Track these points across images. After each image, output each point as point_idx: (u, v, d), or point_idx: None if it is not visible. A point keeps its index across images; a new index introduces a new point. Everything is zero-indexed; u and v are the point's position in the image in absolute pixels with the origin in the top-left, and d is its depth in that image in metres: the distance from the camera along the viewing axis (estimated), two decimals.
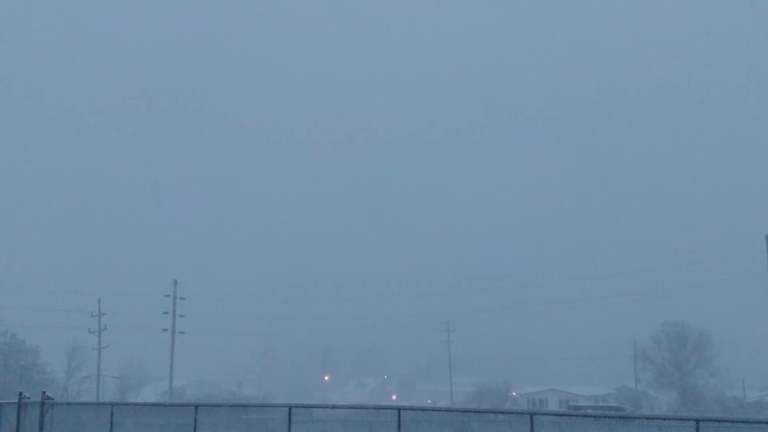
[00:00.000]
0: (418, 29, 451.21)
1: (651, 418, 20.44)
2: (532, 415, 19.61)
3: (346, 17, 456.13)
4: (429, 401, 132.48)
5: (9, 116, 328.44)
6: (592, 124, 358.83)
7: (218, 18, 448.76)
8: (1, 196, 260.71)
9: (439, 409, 25.92)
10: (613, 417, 22.02)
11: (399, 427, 21.11)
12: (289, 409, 23.33)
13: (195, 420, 24.78)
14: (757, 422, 17.78)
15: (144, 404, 34.12)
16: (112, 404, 28.21)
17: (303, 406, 25.58)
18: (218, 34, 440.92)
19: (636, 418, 25.54)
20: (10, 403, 29.24)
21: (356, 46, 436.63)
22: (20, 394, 28.44)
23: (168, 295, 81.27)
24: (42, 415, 27.11)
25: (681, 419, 19.21)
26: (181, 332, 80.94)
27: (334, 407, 28.16)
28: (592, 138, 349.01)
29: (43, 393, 27.86)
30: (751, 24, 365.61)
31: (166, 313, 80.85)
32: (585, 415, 22.87)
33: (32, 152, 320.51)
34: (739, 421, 17.82)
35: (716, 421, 18.23)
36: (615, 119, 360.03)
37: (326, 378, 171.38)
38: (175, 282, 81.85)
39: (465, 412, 26.50)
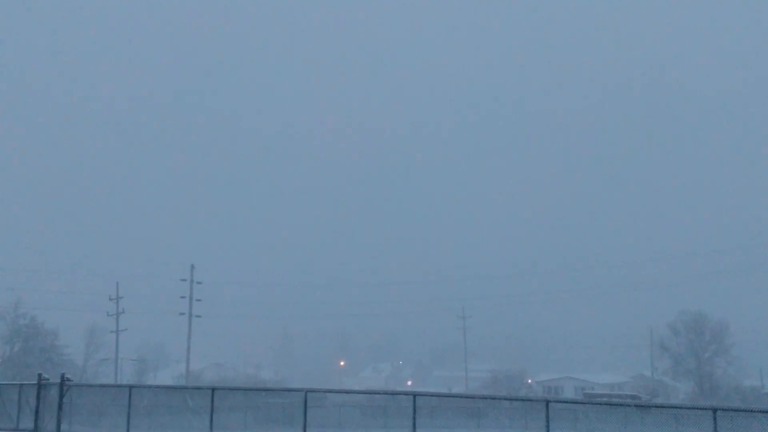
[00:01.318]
0: (423, 28, 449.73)
1: (667, 407, 20.33)
2: (547, 402, 19.55)
3: (354, 18, 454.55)
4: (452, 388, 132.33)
5: (31, 107, 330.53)
6: (610, 116, 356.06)
7: (222, 24, 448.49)
8: (23, 181, 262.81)
9: (455, 396, 25.93)
10: (629, 405, 21.93)
11: (414, 412, 21.12)
12: (305, 394, 23.38)
13: (212, 403, 24.90)
14: None
15: (161, 387, 34.30)
16: (131, 386, 28.35)
17: (319, 391, 25.61)
18: (231, 40, 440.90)
19: (652, 406, 25.40)
20: (30, 384, 29.53)
21: (362, 47, 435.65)
22: (39, 375, 28.69)
23: (185, 280, 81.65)
24: (61, 396, 27.36)
25: (698, 408, 19.14)
26: (198, 316, 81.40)
27: (350, 392, 28.22)
28: (611, 129, 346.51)
29: (62, 375, 28.07)
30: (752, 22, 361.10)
31: (183, 297, 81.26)
32: (601, 403, 22.80)
33: (53, 139, 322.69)
34: (758, 411, 17.67)
35: (734, 410, 18.10)
36: (632, 113, 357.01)
37: (342, 363, 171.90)
38: (192, 266, 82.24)
39: (480, 398, 26.47)
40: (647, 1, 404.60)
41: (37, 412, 27.69)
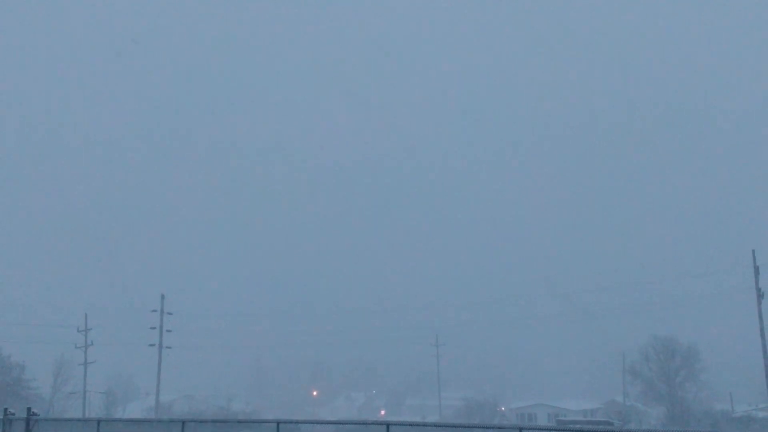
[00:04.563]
0: (425, 40, 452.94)
1: None
2: (520, 429, 19.60)
3: (354, 19, 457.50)
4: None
5: None
6: (577, 140, 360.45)
7: (226, 39, 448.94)
8: None
9: (428, 424, 25.77)
10: None
11: None
12: (277, 425, 23.20)
13: None
14: None
15: (130, 420, 33.83)
16: (98, 420, 27.92)
17: (291, 422, 25.42)
18: (222, 51, 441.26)
19: None
20: None
21: (363, 59, 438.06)
22: (5, 410, 28.20)
23: (155, 310, 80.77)
24: (27, 431, 26.86)
25: None
26: (168, 347, 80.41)
27: (322, 422, 28.01)
28: (577, 154, 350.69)
29: (29, 409, 27.63)
30: (744, 35, 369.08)
31: (153, 328, 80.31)
32: (574, 430, 22.87)
33: (20, 165, 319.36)
34: None
35: None
36: (601, 136, 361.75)
37: (315, 393, 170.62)
38: (163, 296, 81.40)
39: (454, 427, 26.40)
40: (653, 16, 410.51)
41: None
